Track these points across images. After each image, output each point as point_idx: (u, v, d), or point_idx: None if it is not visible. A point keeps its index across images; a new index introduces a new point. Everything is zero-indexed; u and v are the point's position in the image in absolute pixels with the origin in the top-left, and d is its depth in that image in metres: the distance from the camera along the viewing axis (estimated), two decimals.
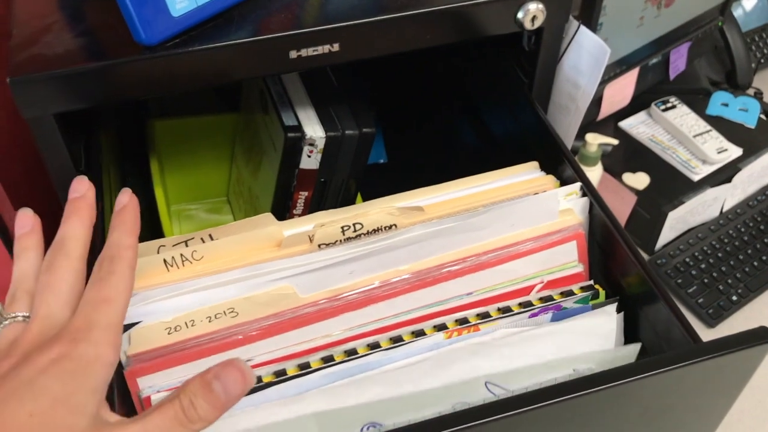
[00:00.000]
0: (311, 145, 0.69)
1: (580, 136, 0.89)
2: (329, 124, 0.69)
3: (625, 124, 1.11)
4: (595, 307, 0.57)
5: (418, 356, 0.53)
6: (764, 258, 0.98)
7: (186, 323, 0.53)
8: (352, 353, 0.54)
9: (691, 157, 1.05)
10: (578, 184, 0.61)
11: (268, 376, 0.52)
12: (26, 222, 0.44)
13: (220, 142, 0.86)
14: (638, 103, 1.11)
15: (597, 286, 0.59)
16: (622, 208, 1.00)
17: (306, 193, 0.74)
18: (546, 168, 0.65)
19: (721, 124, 1.10)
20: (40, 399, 0.35)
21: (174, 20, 0.54)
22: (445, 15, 0.61)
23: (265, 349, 0.54)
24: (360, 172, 0.74)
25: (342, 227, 0.56)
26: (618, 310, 0.56)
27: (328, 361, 0.53)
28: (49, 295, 0.40)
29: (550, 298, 0.58)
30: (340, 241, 0.56)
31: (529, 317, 0.56)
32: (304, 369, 0.53)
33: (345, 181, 0.74)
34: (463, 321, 0.56)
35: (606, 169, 1.00)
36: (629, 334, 0.56)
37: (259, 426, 0.49)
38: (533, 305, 0.57)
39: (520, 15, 0.63)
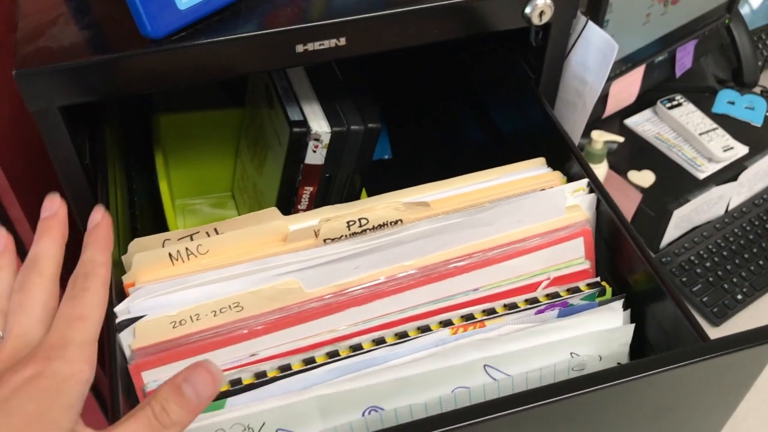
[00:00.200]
0: (316, 140, 0.69)
1: (586, 133, 0.89)
2: (335, 119, 0.69)
3: (630, 121, 1.11)
4: (601, 303, 0.56)
5: (423, 352, 0.53)
6: None
7: (191, 317, 0.52)
8: (357, 348, 0.54)
9: (697, 155, 1.05)
10: (585, 181, 0.61)
11: (273, 371, 0.52)
12: None
13: (225, 137, 0.86)
14: (644, 101, 1.11)
15: (604, 283, 0.59)
16: (627, 205, 1.00)
17: (311, 189, 0.74)
18: (553, 164, 0.64)
19: (727, 123, 1.09)
20: (14, 418, 0.35)
21: (180, 13, 0.54)
22: (453, 10, 0.61)
23: (270, 344, 0.54)
24: (365, 167, 0.73)
25: (347, 222, 0.56)
26: (625, 308, 0.56)
27: (334, 356, 0.53)
28: (22, 314, 0.40)
29: (556, 295, 0.58)
30: (346, 236, 0.56)
31: (536, 314, 0.56)
32: (309, 364, 0.53)
33: (350, 177, 0.74)
34: (469, 317, 0.56)
35: (611, 166, 1.00)
36: (636, 332, 0.56)
37: (262, 410, 0.49)
38: (539, 302, 0.57)
39: (527, 10, 0.63)
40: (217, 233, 0.55)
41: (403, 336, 0.55)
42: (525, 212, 0.59)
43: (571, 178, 0.63)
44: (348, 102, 0.71)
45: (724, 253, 0.98)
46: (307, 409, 0.50)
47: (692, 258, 0.98)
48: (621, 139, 1.04)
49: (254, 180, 0.82)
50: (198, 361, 0.39)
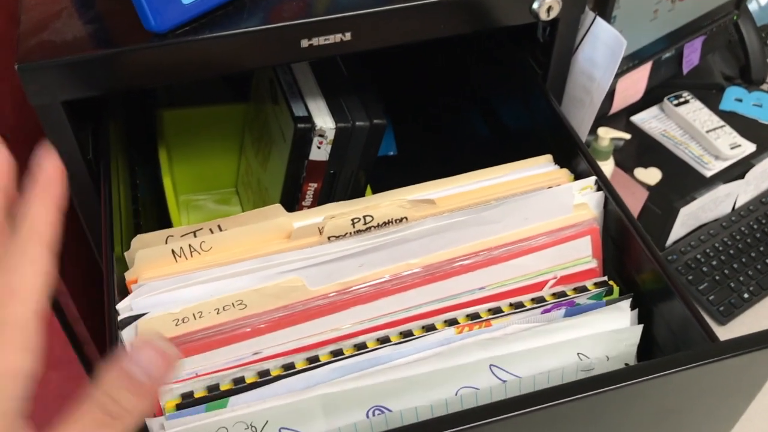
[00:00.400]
0: (321, 136, 0.68)
1: (592, 130, 0.88)
2: (339, 115, 0.69)
3: (637, 118, 1.10)
4: (608, 303, 0.56)
5: (428, 351, 0.52)
6: None
7: (194, 315, 0.52)
8: (361, 347, 0.53)
9: (704, 153, 1.04)
10: (593, 178, 0.60)
11: (277, 370, 0.52)
12: None
13: (229, 133, 0.86)
14: (651, 98, 1.10)
15: (611, 282, 0.58)
16: (633, 203, 0.99)
17: (315, 185, 0.73)
18: (560, 161, 0.64)
19: (734, 120, 1.09)
20: None
21: (184, 7, 0.53)
22: (460, 5, 0.60)
23: (273, 342, 0.54)
24: (370, 164, 0.73)
25: (352, 219, 0.55)
26: (632, 307, 0.56)
27: (337, 354, 0.53)
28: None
29: (563, 294, 0.57)
30: (350, 233, 0.56)
31: (542, 313, 0.55)
32: (313, 362, 0.52)
33: (354, 173, 0.73)
34: (474, 316, 0.55)
35: (617, 163, 0.99)
36: (643, 332, 0.55)
37: (265, 408, 0.49)
38: (546, 301, 0.57)
39: (535, 6, 0.62)
40: (221, 230, 0.55)
41: (407, 335, 0.54)
42: (531, 210, 0.58)
43: (578, 176, 0.62)
44: (353, 98, 0.70)
45: (731, 252, 0.97)
46: (311, 407, 0.50)
47: (698, 256, 0.97)
48: (627, 136, 1.03)
49: (258, 176, 0.81)
50: (142, 339, 0.33)
